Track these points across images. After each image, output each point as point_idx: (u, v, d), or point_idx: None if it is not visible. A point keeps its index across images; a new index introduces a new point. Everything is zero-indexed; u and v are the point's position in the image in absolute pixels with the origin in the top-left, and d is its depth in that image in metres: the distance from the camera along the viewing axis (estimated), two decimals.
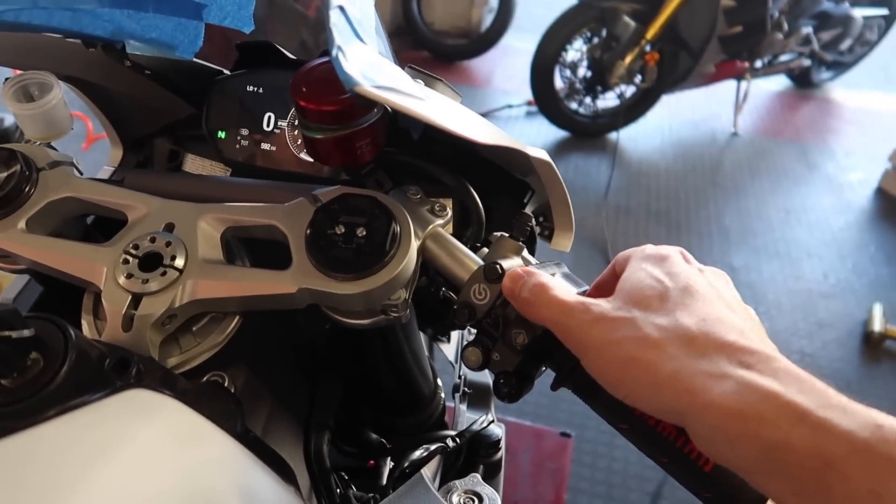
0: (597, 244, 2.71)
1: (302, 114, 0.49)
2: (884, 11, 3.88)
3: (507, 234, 0.53)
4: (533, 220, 0.53)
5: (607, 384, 0.40)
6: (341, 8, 0.39)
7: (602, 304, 0.41)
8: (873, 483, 0.30)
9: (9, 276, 0.63)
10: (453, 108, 0.48)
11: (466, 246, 0.53)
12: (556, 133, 3.44)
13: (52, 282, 0.57)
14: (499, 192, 0.69)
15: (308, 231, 0.49)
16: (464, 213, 0.62)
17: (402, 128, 0.66)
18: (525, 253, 0.54)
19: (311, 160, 0.68)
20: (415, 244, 0.49)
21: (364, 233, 0.48)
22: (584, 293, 0.51)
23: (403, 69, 0.59)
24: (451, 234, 0.55)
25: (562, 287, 0.44)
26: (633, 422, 0.45)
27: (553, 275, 0.48)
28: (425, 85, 0.57)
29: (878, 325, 2.34)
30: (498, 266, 0.47)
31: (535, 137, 3.42)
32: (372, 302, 0.48)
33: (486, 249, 0.55)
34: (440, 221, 0.53)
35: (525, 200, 0.70)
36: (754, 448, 0.33)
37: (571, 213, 0.67)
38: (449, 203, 0.57)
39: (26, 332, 0.37)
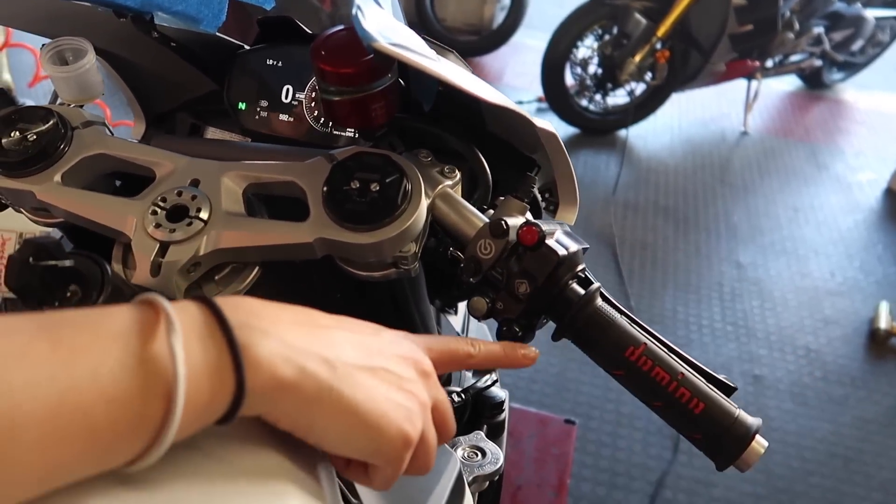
0: (604, 239, 2.74)
1: (321, 77, 0.52)
2: None
3: (512, 196, 0.56)
4: (537, 181, 0.56)
5: None
6: None
7: None
8: None
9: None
10: (463, 71, 0.51)
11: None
12: (566, 129, 3.46)
13: (82, 239, 0.61)
14: (506, 167, 0.72)
15: (325, 186, 0.52)
16: (472, 179, 0.65)
17: (414, 100, 0.69)
18: (528, 214, 0.57)
19: (328, 131, 0.72)
20: (424, 201, 0.52)
21: (377, 188, 0.51)
22: (585, 249, 0.54)
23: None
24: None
25: None
26: (628, 368, 0.48)
27: (555, 230, 0.51)
28: (437, 54, 0.60)
29: (884, 323, 2.36)
30: (503, 222, 0.50)
31: None
32: (383, 253, 0.51)
33: (492, 211, 0.58)
34: (449, 182, 0.56)
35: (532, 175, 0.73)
36: None
37: (576, 187, 0.69)
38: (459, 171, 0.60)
39: (67, 262, 0.40)
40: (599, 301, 0.50)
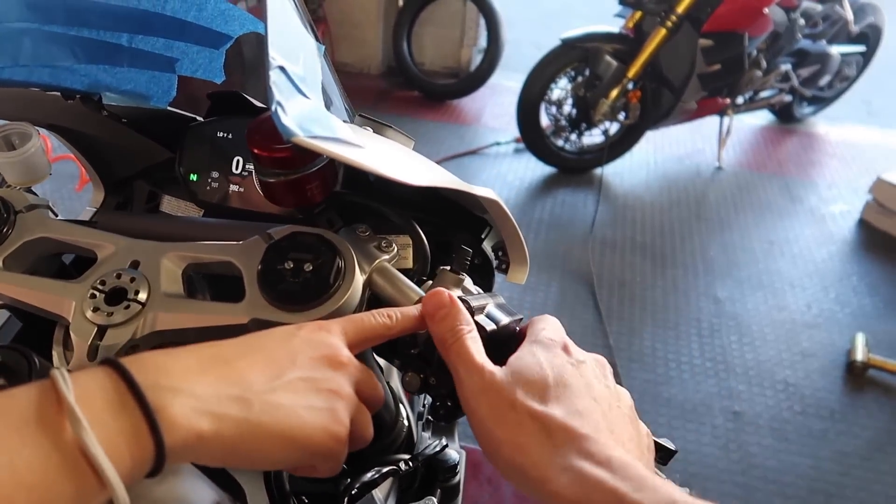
0: (583, 277, 2.75)
1: (256, 160, 0.54)
2: (861, 48, 4.00)
3: (447, 268, 0.57)
4: (470, 253, 0.58)
5: (482, 445, 0.44)
6: (281, 68, 0.44)
7: (496, 374, 0.45)
8: None
9: None
10: (392, 153, 0.53)
11: (413, 279, 0.57)
12: (543, 169, 3.51)
13: (30, 318, 0.61)
14: (458, 229, 0.74)
15: (259, 267, 0.53)
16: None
17: (359, 172, 0.70)
18: (467, 283, 0.58)
19: None
20: (360, 277, 0.54)
21: (311, 268, 0.52)
22: (518, 321, 0.55)
23: (355, 117, 0.64)
24: (412, 268, 0.60)
25: (476, 342, 0.47)
26: None
27: (486, 304, 0.52)
28: (374, 131, 0.62)
29: (860, 355, 2.37)
30: None
31: (522, 173, 3.49)
32: None
33: (430, 283, 0.59)
34: (386, 257, 0.57)
35: (483, 236, 0.75)
36: None
37: (525, 248, 0.71)
38: (397, 240, 0.61)
39: None
40: None
